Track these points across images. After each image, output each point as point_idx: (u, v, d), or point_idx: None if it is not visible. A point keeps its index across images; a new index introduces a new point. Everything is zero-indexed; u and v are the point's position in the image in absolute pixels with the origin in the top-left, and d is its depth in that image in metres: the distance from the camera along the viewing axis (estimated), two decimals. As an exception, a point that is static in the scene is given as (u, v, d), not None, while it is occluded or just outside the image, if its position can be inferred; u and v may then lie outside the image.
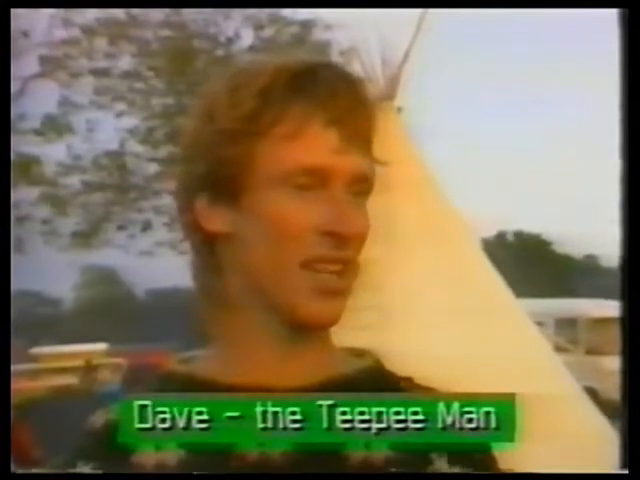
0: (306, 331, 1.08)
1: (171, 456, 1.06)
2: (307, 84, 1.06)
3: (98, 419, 1.12)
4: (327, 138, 1.05)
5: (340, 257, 1.05)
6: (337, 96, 1.06)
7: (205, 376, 1.10)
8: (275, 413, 1.05)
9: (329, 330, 1.11)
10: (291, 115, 1.05)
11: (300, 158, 1.04)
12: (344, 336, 1.13)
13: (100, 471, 1.08)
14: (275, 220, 1.05)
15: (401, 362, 1.17)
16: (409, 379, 1.15)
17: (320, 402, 1.06)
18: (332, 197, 1.05)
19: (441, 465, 1.08)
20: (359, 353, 1.16)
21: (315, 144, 1.05)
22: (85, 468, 1.09)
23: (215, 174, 1.07)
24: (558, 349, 8.29)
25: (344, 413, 1.06)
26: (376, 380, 1.12)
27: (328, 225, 1.04)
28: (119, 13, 15.46)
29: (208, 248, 1.10)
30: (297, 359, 1.08)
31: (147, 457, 1.06)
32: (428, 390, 1.14)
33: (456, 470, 1.08)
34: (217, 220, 1.07)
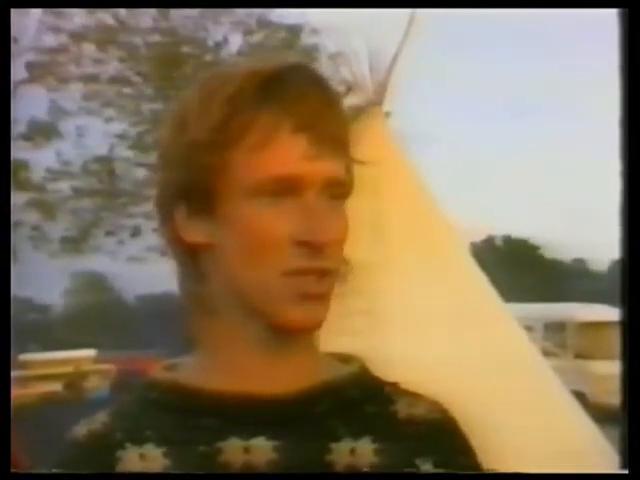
0: (289, 337, 1.08)
1: (156, 465, 1.05)
2: (275, 90, 1.05)
3: (81, 429, 1.11)
4: (296, 144, 1.04)
5: (318, 267, 1.05)
6: (304, 101, 1.06)
7: (189, 383, 1.09)
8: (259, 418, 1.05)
9: (314, 335, 1.11)
10: (259, 123, 1.04)
11: (270, 167, 1.04)
12: (332, 341, 1.12)
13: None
14: (250, 230, 1.05)
15: (389, 367, 1.17)
16: (394, 384, 1.15)
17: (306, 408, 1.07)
18: (305, 205, 1.05)
19: (427, 470, 1.08)
20: (344, 358, 1.15)
21: (284, 152, 1.04)
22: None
23: (191, 185, 1.06)
24: (546, 353, 8.31)
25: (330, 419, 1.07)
26: (362, 386, 1.12)
27: (302, 235, 1.04)
28: (107, 18, 15.45)
29: (190, 258, 1.09)
30: (282, 365, 1.08)
31: (132, 467, 1.05)
32: (413, 395, 1.14)
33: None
34: (195, 231, 1.07)
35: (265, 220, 1.04)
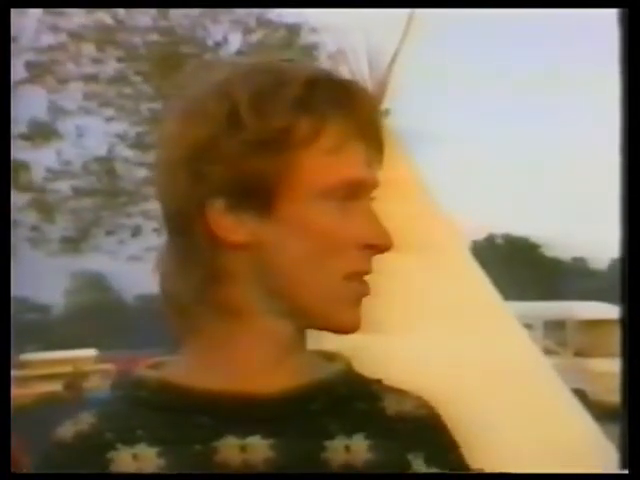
0: (302, 336, 1.10)
1: (150, 465, 1.04)
2: (342, 96, 1.07)
3: (67, 430, 1.09)
4: (361, 151, 1.07)
5: (371, 270, 1.09)
6: (369, 110, 1.08)
7: (180, 382, 1.08)
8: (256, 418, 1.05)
9: (305, 334, 1.12)
10: (331, 127, 1.05)
11: (344, 171, 1.05)
12: (331, 340, 1.13)
13: None
14: (318, 233, 1.05)
15: (390, 366, 1.18)
16: (379, 381, 1.16)
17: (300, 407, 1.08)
18: (367, 209, 1.08)
19: (419, 466, 1.09)
20: (330, 356, 1.16)
21: (354, 157, 1.07)
22: None
23: (240, 183, 1.04)
24: (547, 351, 8.32)
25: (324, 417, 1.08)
26: (350, 383, 1.13)
27: (370, 238, 1.07)
28: (106, 18, 15.45)
29: (213, 254, 1.07)
30: (280, 364, 1.08)
31: (125, 468, 1.04)
32: (398, 392, 1.15)
33: (433, 470, 1.10)
34: (236, 228, 1.05)
35: (334, 223, 1.05)
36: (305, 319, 1.08)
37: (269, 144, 1.03)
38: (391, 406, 1.13)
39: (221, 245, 1.06)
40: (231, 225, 1.05)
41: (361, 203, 1.08)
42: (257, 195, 1.04)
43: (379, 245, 1.08)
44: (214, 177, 1.04)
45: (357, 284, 1.08)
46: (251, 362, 1.08)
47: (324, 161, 1.05)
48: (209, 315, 1.08)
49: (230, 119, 1.04)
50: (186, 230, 1.08)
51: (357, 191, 1.07)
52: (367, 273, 1.09)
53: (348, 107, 1.06)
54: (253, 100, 1.04)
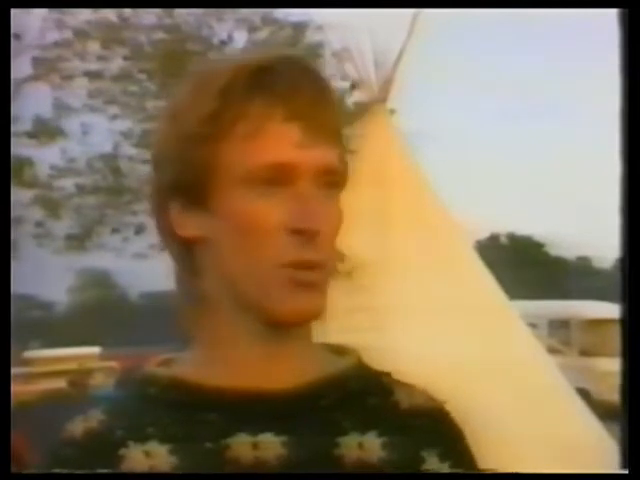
0: (286, 330, 1.07)
1: (162, 462, 1.04)
2: (265, 81, 1.05)
3: (76, 427, 1.09)
4: (288, 133, 1.04)
5: (311, 259, 1.04)
6: (296, 90, 1.06)
7: (190, 379, 1.08)
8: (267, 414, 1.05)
9: (310, 328, 1.10)
10: (251, 113, 1.04)
11: (261, 156, 1.03)
12: (336, 337, 1.12)
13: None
14: (243, 221, 1.04)
15: (395, 364, 1.18)
16: (388, 374, 1.15)
17: (313, 403, 1.07)
18: (298, 193, 1.04)
19: (432, 462, 1.08)
20: (340, 350, 1.15)
21: (276, 140, 1.04)
22: None
23: (184, 179, 1.06)
24: (551, 351, 8.31)
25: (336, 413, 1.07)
26: (361, 377, 1.12)
27: (295, 222, 1.04)
28: (112, 16, 15.45)
29: (185, 252, 1.09)
30: (281, 359, 1.07)
31: (137, 465, 1.04)
32: (406, 385, 1.14)
33: (447, 466, 1.09)
34: (190, 225, 1.07)
35: (257, 209, 1.04)
36: (256, 313, 1.06)
37: (199, 136, 1.05)
38: (404, 400, 1.12)
39: (184, 242, 1.08)
40: (185, 222, 1.07)
41: (292, 188, 1.04)
42: (197, 189, 1.06)
43: (304, 229, 1.03)
44: (170, 177, 1.07)
45: (291, 273, 1.04)
46: (241, 358, 1.07)
47: (241, 147, 1.04)
48: (198, 311, 1.09)
49: (173, 116, 1.08)
50: (161, 229, 1.11)
51: (285, 175, 1.04)
52: (302, 263, 1.04)
53: (275, 91, 1.05)
54: (190, 94, 1.07)
